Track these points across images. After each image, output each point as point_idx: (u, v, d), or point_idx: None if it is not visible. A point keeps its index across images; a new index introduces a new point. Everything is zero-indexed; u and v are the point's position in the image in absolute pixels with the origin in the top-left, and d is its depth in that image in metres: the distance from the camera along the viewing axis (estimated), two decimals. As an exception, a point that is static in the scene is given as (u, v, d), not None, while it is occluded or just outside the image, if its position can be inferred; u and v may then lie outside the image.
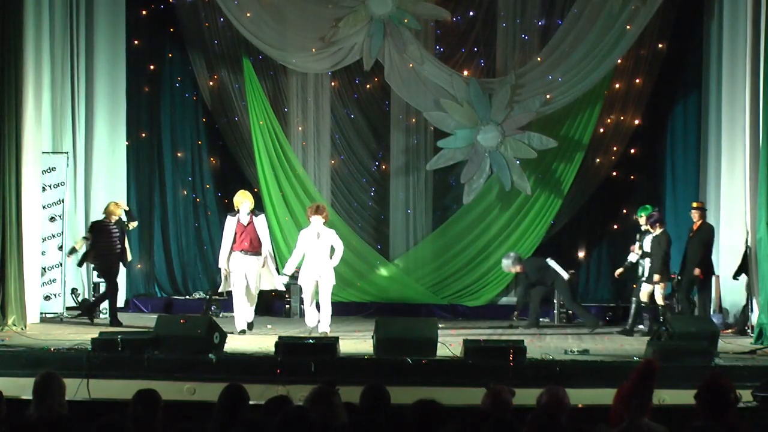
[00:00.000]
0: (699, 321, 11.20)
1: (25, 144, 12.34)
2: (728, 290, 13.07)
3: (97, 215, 14.65)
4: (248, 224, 11.84)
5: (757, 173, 11.71)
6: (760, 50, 11.70)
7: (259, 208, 14.80)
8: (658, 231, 12.33)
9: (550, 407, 5.48)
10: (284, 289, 12.62)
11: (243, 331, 11.72)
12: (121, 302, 14.57)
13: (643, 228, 12.65)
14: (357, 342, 10.94)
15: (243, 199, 11.89)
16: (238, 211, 11.85)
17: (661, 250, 12.20)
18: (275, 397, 5.64)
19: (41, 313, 13.08)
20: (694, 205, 13.05)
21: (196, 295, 15.08)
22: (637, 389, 5.32)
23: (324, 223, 11.70)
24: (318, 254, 11.69)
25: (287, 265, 11.96)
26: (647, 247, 12.45)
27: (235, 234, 11.81)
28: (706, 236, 12.71)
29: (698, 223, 12.80)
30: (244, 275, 11.83)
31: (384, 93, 15.04)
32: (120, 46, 14.78)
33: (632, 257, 12.76)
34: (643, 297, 12.35)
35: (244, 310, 11.89)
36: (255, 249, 11.82)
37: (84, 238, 13.12)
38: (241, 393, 5.66)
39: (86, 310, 13.13)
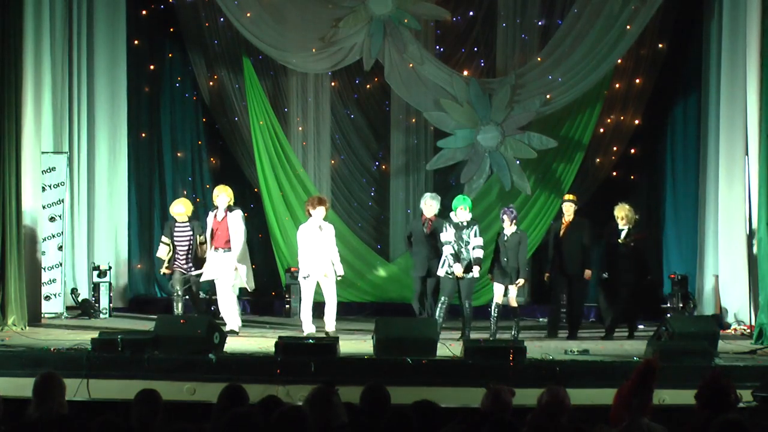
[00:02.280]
0: (699, 321, 11.19)
1: (25, 144, 12.35)
2: (727, 290, 13.06)
3: (98, 215, 14.70)
4: (222, 220, 11.84)
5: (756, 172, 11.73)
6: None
7: (258, 207, 14.92)
8: (515, 228, 11.73)
9: (551, 407, 5.48)
10: (252, 288, 12.28)
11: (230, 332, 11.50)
12: (121, 302, 14.65)
13: (456, 220, 11.68)
14: (357, 342, 10.94)
15: (218, 193, 11.87)
16: (216, 207, 11.86)
17: (524, 248, 11.72)
18: (266, 397, 5.62)
19: (42, 313, 13.06)
20: (568, 197, 12.42)
21: (196, 295, 15.06)
22: (637, 389, 5.32)
23: (324, 217, 11.72)
24: (321, 249, 11.66)
25: (302, 268, 11.80)
26: (477, 243, 11.60)
27: (212, 230, 11.82)
28: (582, 232, 12.13)
29: (570, 218, 12.20)
30: (218, 275, 11.82)
31: (384, 93, 15.04)
32: (120, 46, 14.78)
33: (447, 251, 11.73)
34: (499, 299, 11.57)
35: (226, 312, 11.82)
36: (228, 246, 11.79)
37: (163, 242, 12.56)
38: (239, 393, 5.66)
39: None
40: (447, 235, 11.67)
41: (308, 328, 11.63)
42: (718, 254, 13.25)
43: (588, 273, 12.16)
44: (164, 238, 12.55)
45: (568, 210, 12.24)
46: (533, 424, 5.34)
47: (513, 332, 11.50)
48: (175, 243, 12.34)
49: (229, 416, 4.97)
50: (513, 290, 11.57)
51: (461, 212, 11.70)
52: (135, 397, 5.68)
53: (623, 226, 12.09)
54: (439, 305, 11.66)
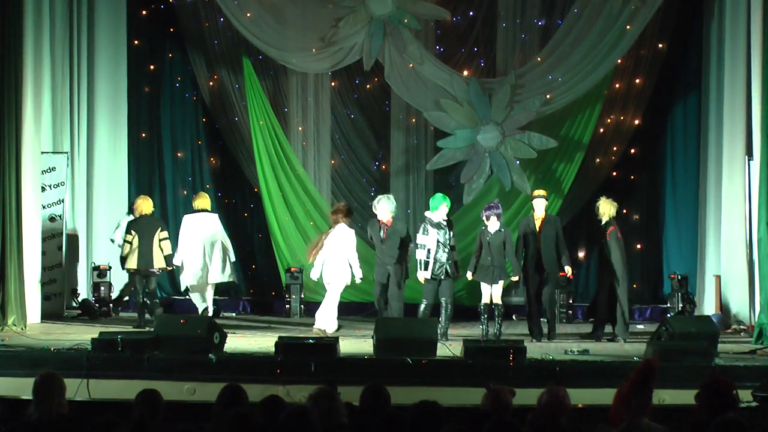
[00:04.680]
0: (699, 321, 11.18)
1: (25, 144, 12.36)
2: (727, 290, 13.06)
3: (98, 215, 14.69)
4: None
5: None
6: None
7: (258, 207, 14.97)
8: (499, 225, 11.45)
9: (551, 407, 5.48)
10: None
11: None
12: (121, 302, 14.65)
13: (436, 219, 11.49)
14: (357, 342, 10.94)
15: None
16: None
17: (510, 247, 11.50)
18: (268, 396, 5.62)
19: (42, 313, 13.06)
20: (539, 193, 11.99)
21: (196, 295, 15.06)
22: (637, 389, 5.32)
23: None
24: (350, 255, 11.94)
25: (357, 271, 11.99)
26: (452, 244, 11.50)
27: None
28: (556, 228, 11.81)
29: (543, 215, 11.80)
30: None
31: (384, 93, 15.04)
32: (121, 45, 14.81)
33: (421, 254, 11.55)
34: (497, 299, 11.44)
35: None
36: None
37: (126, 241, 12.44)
38: (239, 393, 5.66)
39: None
40: (427, 239, 11.50)
41: (333, 326, 11.81)
42: (718, 254, 13.25)
43: (569, 270, 11.82)
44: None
45: (540, 206, 11.86)
46: (533, 424, 5.34)
47: (496, 330, 11.41)
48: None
49: (231, 416, 4.97)
50: (498, 288, 11.49)
51: (444, 210, 11.60)
52: (136, 397, 5.68)
53: (604, 220, 11.72)
54: (422, 309, 11.57)
